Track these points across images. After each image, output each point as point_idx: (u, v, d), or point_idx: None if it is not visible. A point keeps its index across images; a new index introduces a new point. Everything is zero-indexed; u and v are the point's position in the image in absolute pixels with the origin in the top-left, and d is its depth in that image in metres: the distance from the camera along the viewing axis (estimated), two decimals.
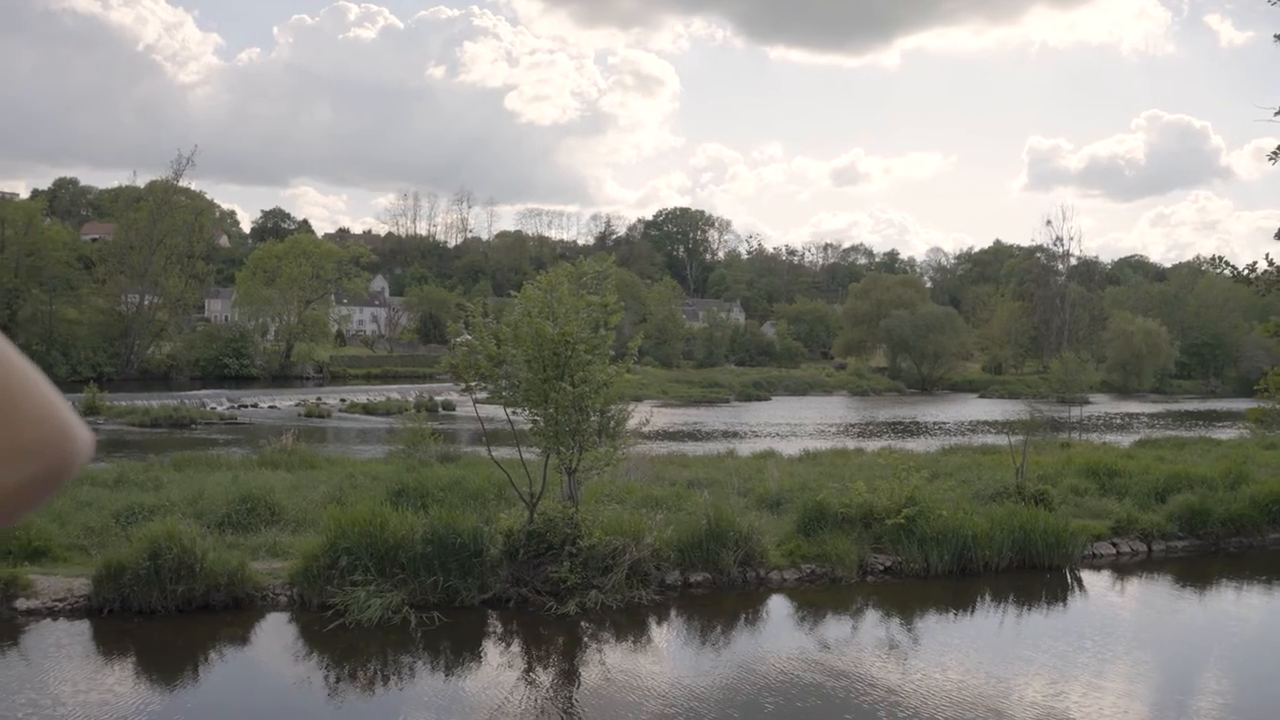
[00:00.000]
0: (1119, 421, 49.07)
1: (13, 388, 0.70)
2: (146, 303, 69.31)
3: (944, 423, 47.58)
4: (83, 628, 11.40)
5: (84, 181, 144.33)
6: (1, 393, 0.70)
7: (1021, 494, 16.51)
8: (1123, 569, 15.79)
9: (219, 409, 44.21)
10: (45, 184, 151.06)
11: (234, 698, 10.04)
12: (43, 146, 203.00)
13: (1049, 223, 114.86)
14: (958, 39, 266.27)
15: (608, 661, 11.17)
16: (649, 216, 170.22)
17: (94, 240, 79.00)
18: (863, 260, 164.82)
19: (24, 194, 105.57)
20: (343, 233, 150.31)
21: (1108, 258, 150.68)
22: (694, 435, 37.49)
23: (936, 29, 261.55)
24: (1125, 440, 30.34)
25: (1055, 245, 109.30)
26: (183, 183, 74.73)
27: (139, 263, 69.20)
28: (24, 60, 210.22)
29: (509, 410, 13.80)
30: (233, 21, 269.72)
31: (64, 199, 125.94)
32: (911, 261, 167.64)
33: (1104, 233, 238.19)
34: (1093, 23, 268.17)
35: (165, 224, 71.05)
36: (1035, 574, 14.85)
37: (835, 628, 12.61)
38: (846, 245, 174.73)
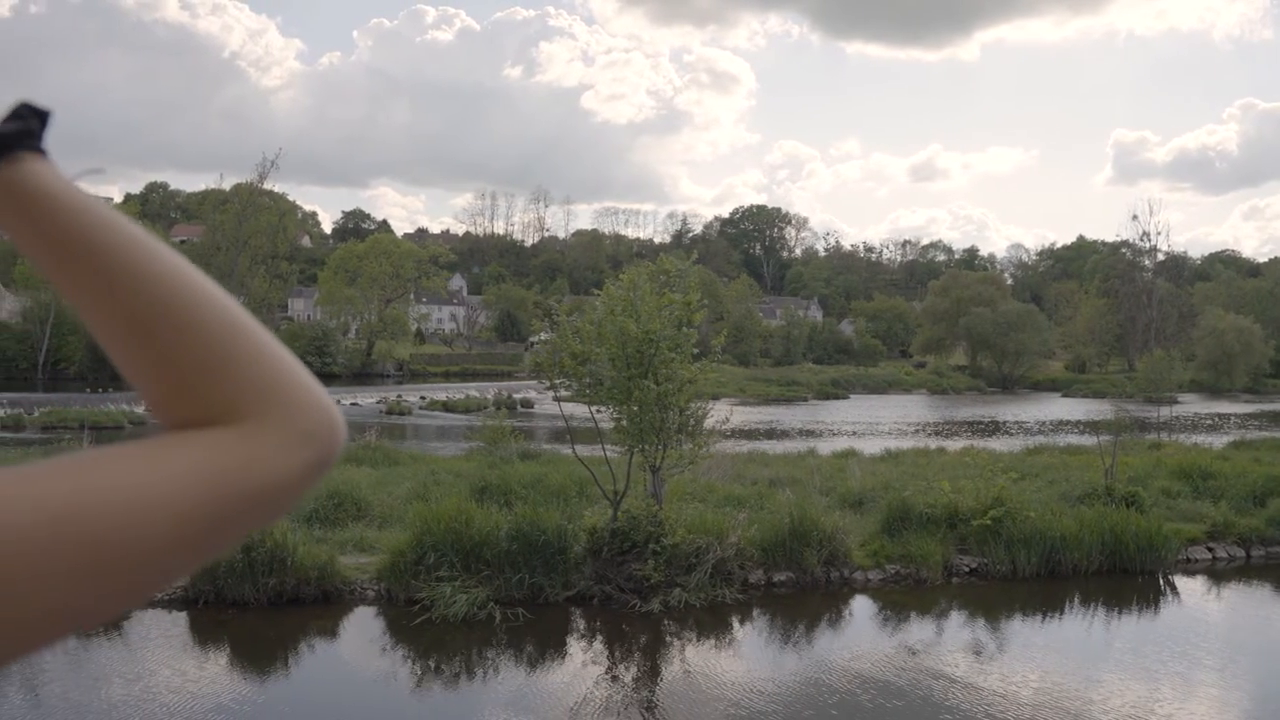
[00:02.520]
0: (1210, 422, 47.66)
1: (296, 375, 0.73)
2: (239, 299, 70.93)
3: (1025, 422, 46.68)
4: (180, 618, 11.71)
5: (173, 185, 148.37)
6: (288, 378, 0.72)
7: (1111, 495, 16.13)
8: (1219, 575, 15.33)
9: None
10: (137, 188, 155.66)
11: (323, 690, 10.24)
12: (135, 152, 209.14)
13: (1135, 217, 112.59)
14: (1039, 30, 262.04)
15: (690, 660, 11.16)
16: (725, 214, 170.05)
17: (183, 242, 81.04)
18: (941, 257, 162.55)
19: (117, 198, 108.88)
20: (421, 232, 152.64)
21: (1197, 253, 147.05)
22: (772, 434, 37.30)
23: (1017, 20, 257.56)
24: (1218, 441, 29.45)
25: (1141, 240, 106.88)
26: (267, 185, 76.39)
27: (225, 263, 70.88)
28: (118, 70, 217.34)
29: (592, 408, 13.87)
30: (314, 26, 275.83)
31: (154, 202, 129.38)
32: (991, 258, 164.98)
33: (1193, 227, 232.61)
34: (1183, 9, 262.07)
35: (250, 225, 72.71)
36: (1126, 578, 14.49)
37: (919, 630, 12.45)
38: (925, 242, 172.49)
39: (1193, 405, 60.64)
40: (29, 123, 0.69)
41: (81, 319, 0.71)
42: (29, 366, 63.16)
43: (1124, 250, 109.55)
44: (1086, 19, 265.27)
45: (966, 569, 14.35)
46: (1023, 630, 12.74)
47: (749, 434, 34.14)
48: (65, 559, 0.58)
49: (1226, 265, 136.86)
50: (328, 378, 68.25)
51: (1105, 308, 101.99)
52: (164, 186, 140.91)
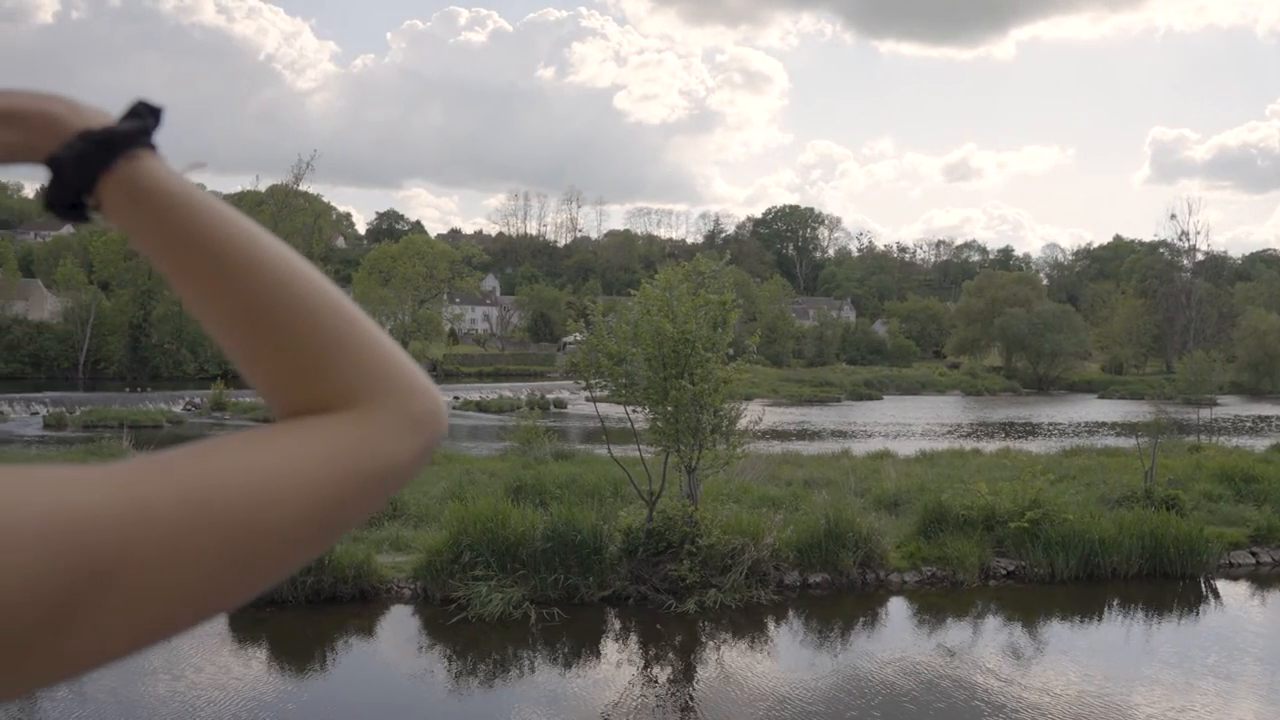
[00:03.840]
0: (1251, 424, 46.99)
1: (404, 362, 0.74)
2: None
3: (1061, 424, 46.24)
4: (220, 616, 11.82)
5: (210, 186, 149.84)
6: (399, 365, 0.74)
7: (1151, 498, 15.96)
8: (1263, 580, 15.11)
9: None
10: None
11: (360, 687, 10.31)
12: (171, 154, 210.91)
13: (1173, 216, 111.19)
14: (1075, 27, 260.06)
15: (725, 661, 11.16)
16: (758, 214, 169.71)
17: None
18: (976, 257, 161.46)
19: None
20: (454, 233, 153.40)
21: (1237, 252, 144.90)
22: (806, 434, 37.16)
23: (1053, 18, 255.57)
24: (1260, 444, 29.04)
25: (1180, 240, 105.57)
26: (302, 186, 77.09)
27: None
28: (157, 73, 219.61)
29: (628, 408, 13.89)
30: (348, 29, 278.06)
31: None
32: (1026, 258, 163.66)
33: (1233, 226, 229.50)
34: (1224, 4, 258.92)
35: (286, 226, 73.30)
36: (1167, 582, 14.33)
37: (955, 632, 12.37)
38: (959, 242, 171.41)
39: (1233, 407, 59.82)
40: (146, 121, 0.71)
41: (195, 313, 0.73)
42: (70, 366, 63.97)
43: (1162, 250, 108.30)
44: (1124, 15, 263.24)
45: (1004, 571, 14.24)
46: (1062, 633, 12.64)
47: (782, 435, 34.04)
48: (208, 542, 0.60)
49: (1268, 265, 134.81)
50: None
51: (1143, 308, 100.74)
52: (201, 187, 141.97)
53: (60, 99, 0.70)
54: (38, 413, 38.19)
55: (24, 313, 67.42)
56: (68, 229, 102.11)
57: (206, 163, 0.81)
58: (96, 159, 0.69)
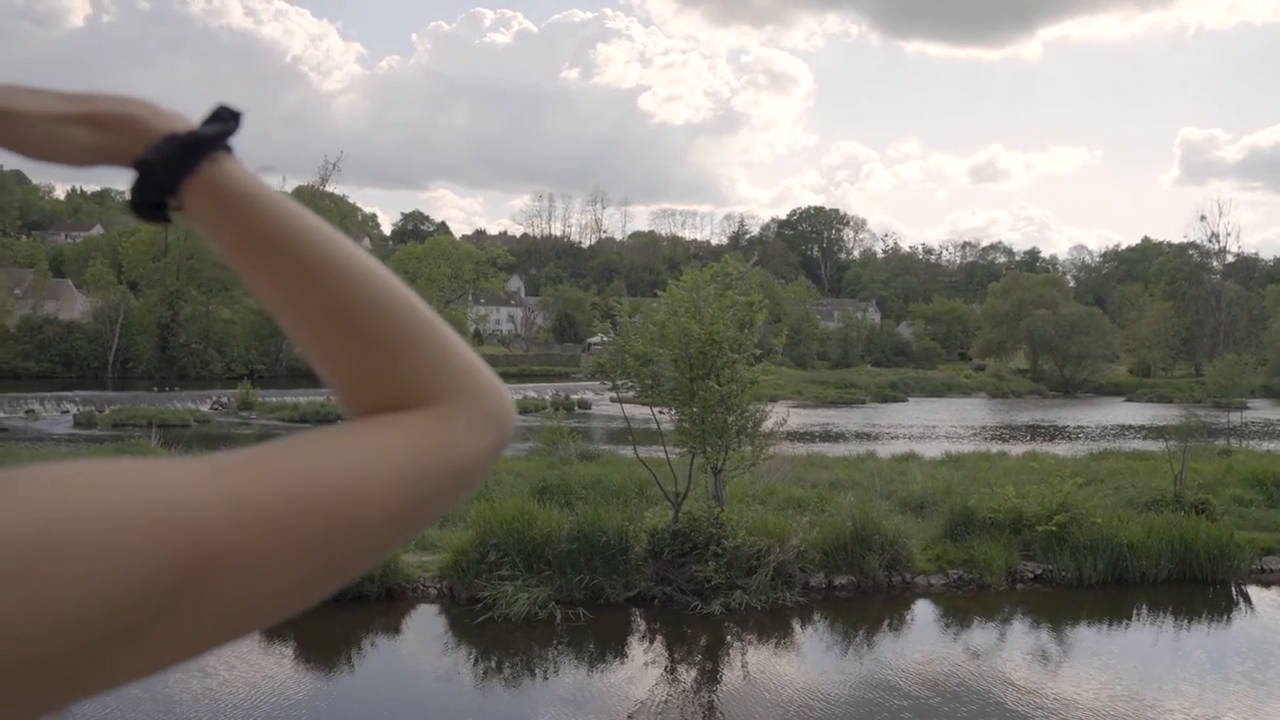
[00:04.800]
0: None
1: (476, 360, 0.76)
2: None
3: (1087, 427, 45.88)
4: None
5: None
6: (472, 364, 0.76)
7: (1181, 502, 15.82)
8: None
9: None
10: None
11: (386, 685, 10.36)
12: None
13: (1203, 218, 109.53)
14: (1104, 27, 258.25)
15: (750, 663, 11.14)
16: (783, 216, 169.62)
17: None
18: (1002, 259, 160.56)
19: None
20: (479, 234, 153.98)
21: (1269, 254, 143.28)
22: (831, 436, 37.04)
23: (1081, 17, 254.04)
24: None
25: (1210, 241, 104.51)
26: (328, 188, 77.55)
27: None
28: (185, 76, 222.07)
29: (655, 409, 13.89)
30: (373, 30, 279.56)
31: None
32: (1053, 260, 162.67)
33: (1265, 228, 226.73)
34: (1257, 2, 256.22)
35: None
36: (1197, 587, 14.19)
37: (982, 635, 12.31)
38: (985, 243, 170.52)
39: (1264, 411, 59.14)
40: (227, 124, 0.72)
41: (273, 313, 0.74)
42: (99, 365, 64.58)
43: (1191, 252, 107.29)
44: (1154, 14, 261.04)
45: (1031, 575, 14.15)
46: (1091, 638, 12.54)
47: (807, 436, 33.96)
48: (305, 535, 0.61)
49: None
50: None
51: (1171, 310, 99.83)
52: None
53: (143, 103, 0.72)
54: (68, 411, 38.58)
55: (55, 312, 68.16)
56: (97, 230, 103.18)
57: (274, 166, 0.82)
58: (182, 162, 0.70)
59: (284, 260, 0.71)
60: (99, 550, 0.52)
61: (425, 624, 12.09)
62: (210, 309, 68.97)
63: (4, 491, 0.52)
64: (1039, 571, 14.17)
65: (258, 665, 10.36)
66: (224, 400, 43.84)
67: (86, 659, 0.53)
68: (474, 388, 0.74)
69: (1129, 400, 73.85)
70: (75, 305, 72.06)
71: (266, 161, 0.80)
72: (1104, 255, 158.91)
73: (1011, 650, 11.72)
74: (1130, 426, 45.18)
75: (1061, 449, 29.89)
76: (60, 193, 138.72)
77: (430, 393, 0.72)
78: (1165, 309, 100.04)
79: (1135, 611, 13.51)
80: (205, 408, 41.78)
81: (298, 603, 0.63)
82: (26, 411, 38.19)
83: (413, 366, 0.73)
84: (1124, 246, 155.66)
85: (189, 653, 0.59)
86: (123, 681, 0.57)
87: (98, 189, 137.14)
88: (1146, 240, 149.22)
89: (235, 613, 0.59)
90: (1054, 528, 14.15)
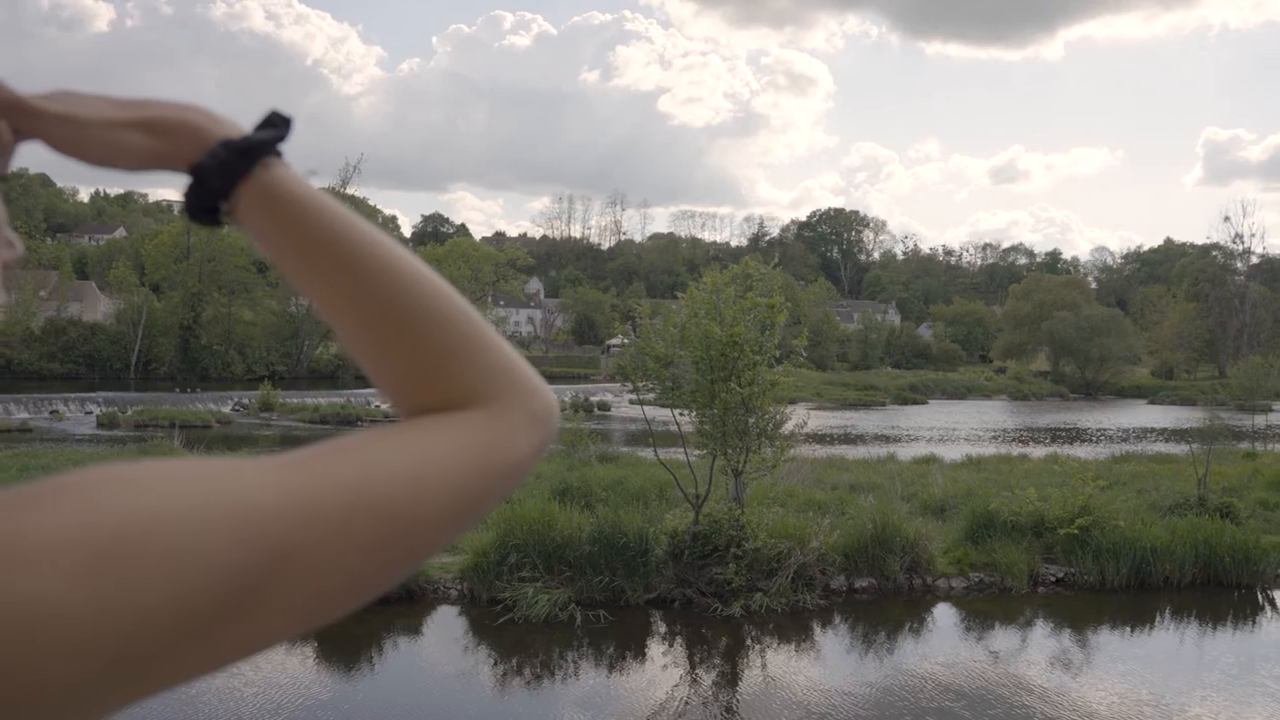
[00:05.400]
0: None
1: (521, 361, 0.78)
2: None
3: (1109, 430, 45.60)
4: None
5: None
6: (518, 364, 0.77)
7: (1204, 506, 15.71)
8: None
9: (383, 406, 45.66)
10: None
11: (406, 686, 10.39)
12: None
13: (1227, 219, 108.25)
14: (1126, 26, 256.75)
15: (770, 665, 11.12)
16: (802, 217, 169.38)
17: None
18: (1023, 260, 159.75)
19: None
20: (499, 236, 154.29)
21: None
22: (851, 438, 36.95)
23: (1104, 17, 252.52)
24: None
25: (1234, 243, 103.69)
26: (349, 190, 77.73)
27: None
28: (208, 79, 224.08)
29: (675, 411, 13.88)
30: (394, 33, 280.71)
31: None
32: (1075, 261, 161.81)
33: None
34: None
35: None
36: (1221, 592, 14.08)
37: (1003, 639, 12.26)
38: (1006, 245, 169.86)
39: None
40: (280, 130, 0.74)
41: (324, 315, 0.75)
42: (122, 366, 65.04)
43: (1215, 253, 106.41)
44: (1178, 13, 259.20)
45: (1053, 578, 14.08)
46: (1114, 642, 12.47)
47: (827, 439, 33.89)
48: (368, 532, 0.63)
49: None
50: None
51: (1194, 312, 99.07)
52: None
53: (200, 109, 0.73)
54: (91, 412, 38.88)
55: (79, 314, 68.68)
56: (120, 232, 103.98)
57: (317, 170, 0.84)
58: (236, 167, 0.71)
59: (336, 263, 0.73)
60: (180, 548, 0.54)
61: (446, 625, 12.13)
62: (231, 311, 69.35)
63: (85, 492, 0.53)
64: (1061, 575, 14.09)
65: (281, 664, 10.41)
66: (245, 401, 44.06)
67: (165, 654, 0.54)
68: (521, 388, 0.76)
69: (1151, 403, 73.41)
70: (99, 307, 72.60)
71: (311, 167, 0.81)
72: (1126, 257, 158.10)
73: (1034, 654, 11.66)
74: (1152, 429, 44.91)
75: (1083, 451, 29.75)
76: (84, 195, 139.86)
77: (479, 393, 0.74)
78: (1188, 311, 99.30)
79: (1159, 616, 13.43)
80: (226, 409, 41.99)
81: (356, 599, 0.65)
82: (51, 412, 38.51)
83: (463, 368, 0.74)
84: (1146, 248, 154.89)
85: (256, 647, 0.60)
86: (194, 676, 0.58)
87: (121, 192, 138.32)
88: (1169, 241, 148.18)
89: (301, 609, 0.61)
90: (1076, 531, 14.07)
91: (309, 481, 0.61)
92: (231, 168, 0.71)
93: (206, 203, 0.73)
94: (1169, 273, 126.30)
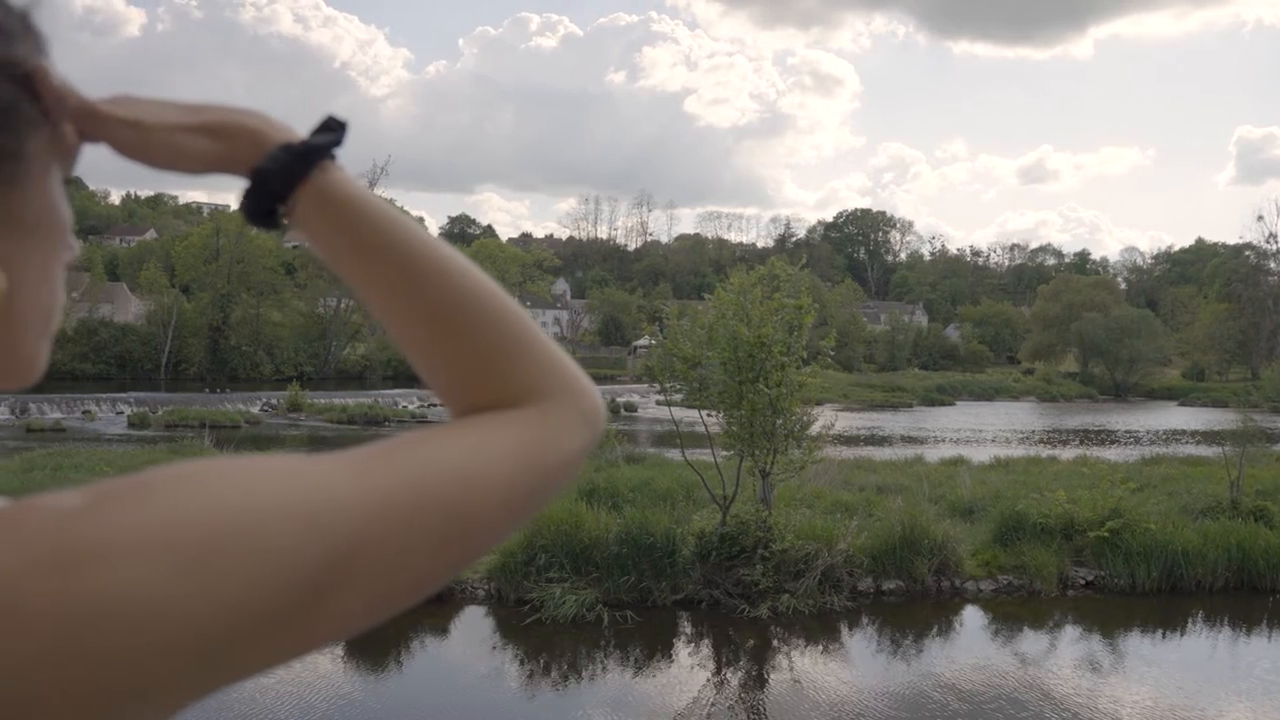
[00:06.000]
0: None
1: (570, 360, 0.79)
2: (342, 306, 72.74)
3: (1139, 432, 45.16)
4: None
5: None
6: (567, 363, 0.79)
7: (1238, 509, 15.54)
8: None
9: (410, 407, 45.87)
10: None
11: (435, 686, 10.45)
12: None
13: (1260, 218, 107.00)
14: (1158, 24, 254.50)
15: (797, 667, 11.10)
16: (829, 218, 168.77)
17: (295, 247, 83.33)
18: (1051, 261, 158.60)
19: (234, 206, 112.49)
20: (525, 237, 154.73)
21: None
22: (878, 440, 36.81)
23: (1134, 15, 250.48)
24: None
25: (1267, 242, 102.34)
26: (376, 191, 77.92)
27: None
28: (236, 82, 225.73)
29: (703, 412, 13.87)
30: (421, 36, 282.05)
31: None
32: (1104, 262, 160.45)
33: None
34: None
35: None
36: (1255, 596, 13.92)
37: (1032, 642, 12.17)
38: (1034, 245, 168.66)
39: None
40: (336, 134, 0.75)
41: (379, 316, 0.77)
42: (153, 367, 65.69)
43: (1248, 253, 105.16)
44: (1210, 10, 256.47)
45: (1082, 581, 13.97)
46: (1140, 646, 12.36)
47: (854, 440, 33.76)
48: (430, 527, 0.64)
49: None
50: None
51: (1226, 313, 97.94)
52: None
53: (257, 114, 0.75)
54: (122, 412, 39.29)
55: (110, 315, 69.41)
56: (151, 234, 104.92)
57: (366, 175, 0.85)
58: (296, 170, 0.73)
59: (391, 264, 0.74)
60: (262, 545, 0.56)
61: (474, 625, 12.17)
62: (260, 312, 69.91)
63: (169, 489, 0.56)
64: (1091, 578, 13.98)
65: (312, 664, 10.47)
66: (273, 402, 44.38)
67: (245, 646, 0.56)
68: (570, 387, 0.77)
69: (1182, 404, 72.62)
70: (130, 308, 73.34)
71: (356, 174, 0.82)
72: (1156, 257, 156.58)
73: (1063, 658, 11.58)
74: (1183, 431, 44.47)
75: (1113, 454, 29.49)
76: (115, 198, 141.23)
77: (530, 392, 0.75)
78: (1220, 311, 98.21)
79: (1191, 620, 13.29)
80: (255, 409, 42.31)
81: (418, 594, 0.66)
82: (84, 412, 38.95)
83: (514, 367, 0.75)
84: (1177, 248, 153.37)
85: (323, 641, 0.62)
86: (265, 668, 0.60)
87: (151, 194, 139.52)
88: (1200, 241, 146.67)
89: (366, 604, 0.62)
90: (1106, 534, 13.95)
91: (376, 480, 0.63)
92: (291, 171, 0.73)
93: (265, 205, 0.74)
94: (1200, 273, 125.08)
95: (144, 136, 0.72)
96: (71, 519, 0.53)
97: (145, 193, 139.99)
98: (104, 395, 43.33)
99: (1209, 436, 37.02)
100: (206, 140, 0.73)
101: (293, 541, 0.57)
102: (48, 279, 0.70)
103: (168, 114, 0.72)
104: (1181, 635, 12.87)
